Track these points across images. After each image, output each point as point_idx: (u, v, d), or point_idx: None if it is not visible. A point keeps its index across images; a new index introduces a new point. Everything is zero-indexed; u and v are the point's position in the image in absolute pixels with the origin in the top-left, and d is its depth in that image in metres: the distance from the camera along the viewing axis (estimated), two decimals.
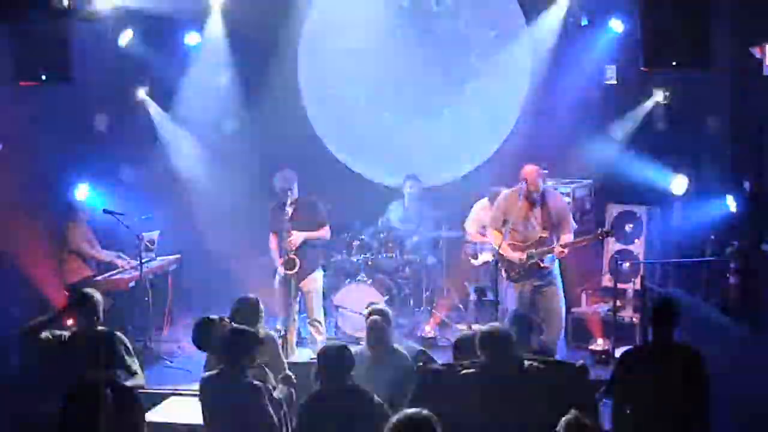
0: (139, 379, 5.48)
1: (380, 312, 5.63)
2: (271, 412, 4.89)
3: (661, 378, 4.54)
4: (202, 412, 4.97)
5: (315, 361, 6.75)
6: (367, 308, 5.92)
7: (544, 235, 6.80)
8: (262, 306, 5.76)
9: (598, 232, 6.86)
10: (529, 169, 6.86)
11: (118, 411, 4.30)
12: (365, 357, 5.38)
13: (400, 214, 8.73)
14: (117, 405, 4.25)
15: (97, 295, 5.61)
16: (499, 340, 4.74)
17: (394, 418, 3.38)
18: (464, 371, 4.76)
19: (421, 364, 5.12)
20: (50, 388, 4.97)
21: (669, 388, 4.52)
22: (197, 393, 5.04)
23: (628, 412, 4.68)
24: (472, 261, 8.22)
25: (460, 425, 4.50)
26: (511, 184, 8.04)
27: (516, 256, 6.85)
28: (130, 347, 5.52)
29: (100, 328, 5.51)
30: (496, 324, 5.16)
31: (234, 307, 5.69)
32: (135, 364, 5.48)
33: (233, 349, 4.88)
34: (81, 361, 4.96)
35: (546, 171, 8.24)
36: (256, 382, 4.87)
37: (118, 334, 5.57)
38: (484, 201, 8.12)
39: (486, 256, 7.99)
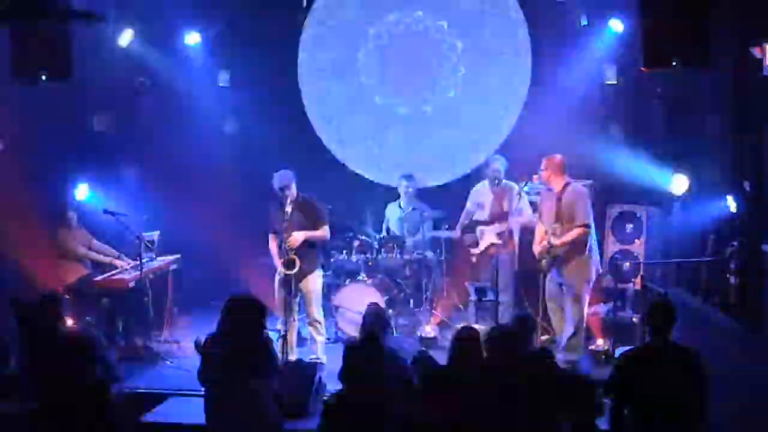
0: (116, 372, 5.51)
1: (375, 313, 5.62)
2: (273, 415, 4.88)
3: (660, 378, 4.53)
4: (206, 413, 4.96)
5: (314, 361, 6.87)
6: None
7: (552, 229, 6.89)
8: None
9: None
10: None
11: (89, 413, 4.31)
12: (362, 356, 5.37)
13: (399, 214, 8.72)
14: (90, 406, 4.26)
15: (57, 295, 5.62)
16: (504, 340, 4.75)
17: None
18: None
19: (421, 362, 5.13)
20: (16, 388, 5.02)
21: (667, 388, 4.51)
22: (197, 393, 5.04)
23: (626, 412, 4.68)
24: (474, 251, 8.15)
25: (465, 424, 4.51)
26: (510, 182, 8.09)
27: (535, 248, 7.06)
28: (103, 342, 5.54)
29: (67, 329, 5.52)
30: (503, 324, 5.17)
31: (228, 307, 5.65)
32: (108, 358, 5.50)
33: (234, 356, 4.87)
34: (47, 362, 5.00)
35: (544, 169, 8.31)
36: (255, 388, 4.83)
37: (87, 330, 5.59)
38: (485, 181, 8.17)
39: (490, 238, 7.96)
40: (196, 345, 5.65)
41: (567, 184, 7.01)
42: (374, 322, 5.53)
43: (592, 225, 7.06)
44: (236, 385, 4.83)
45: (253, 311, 5.07)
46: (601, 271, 7.22)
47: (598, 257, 7.17)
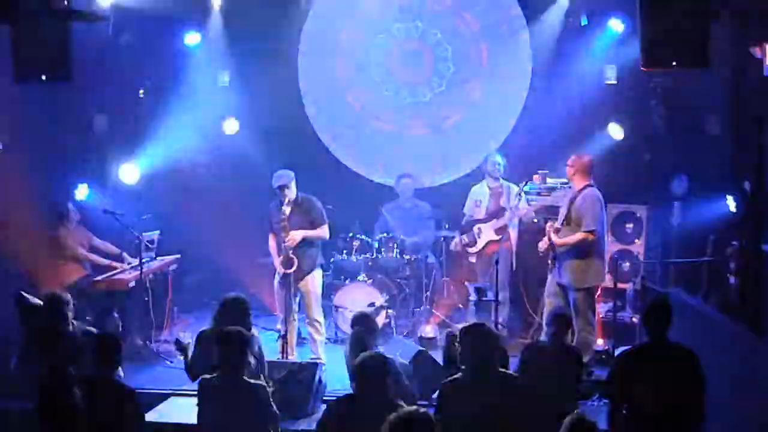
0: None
1: (362, 320, 5.61)
2: (274, 409, 4.91)
3: (657, 378, 4.54)
4: (199, 415, 4.95)
5: (314, 361, 6.87)
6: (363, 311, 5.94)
7: (558, 227, 6.89)
8: (248, 305, 5.79)
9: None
10: None
11: (90, 408, 4.31)
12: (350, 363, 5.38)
13: (398, 214, 8.72)
14: (89, 403, 4.26)
15: (63, 296, 5.63)
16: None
17: (392, 416, 3.37)
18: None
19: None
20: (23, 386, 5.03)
21: (665, 388, 4.52)
22: (197, 393, 5.04)
23: (624, 412, 4.68)
24: (471, 251, 8.14)
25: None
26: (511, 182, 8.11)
27: (541, 244, 7.05)
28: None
29: (71, 327, 5.53)
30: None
31: (221, 308, 5.69)
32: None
33: (229, 350, 4.87)
34: (50, 360, 5.01)
35: (546, 172, 8.32)
36: (255, 382, 4.87)
37: (88, 329, 5.60)
38: (484, 181, 8.19)
39: (488, 235, 7.95)
40: (177, 344, 5.68)
41: (585, 187, 6.97)
42: (361, 328, 5.53)
43: (604, 233, 7.03)
44: (235, 385, 4.83)
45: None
46: (605, 280, 7.18)
47: (605, 268, 7.11)
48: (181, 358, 5.76)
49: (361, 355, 4.61)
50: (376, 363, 4.50)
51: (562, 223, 6.93)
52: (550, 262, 7.00)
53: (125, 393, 4.78)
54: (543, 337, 6.60)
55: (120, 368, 5.49)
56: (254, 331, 5.83)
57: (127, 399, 4.72)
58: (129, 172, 9.08)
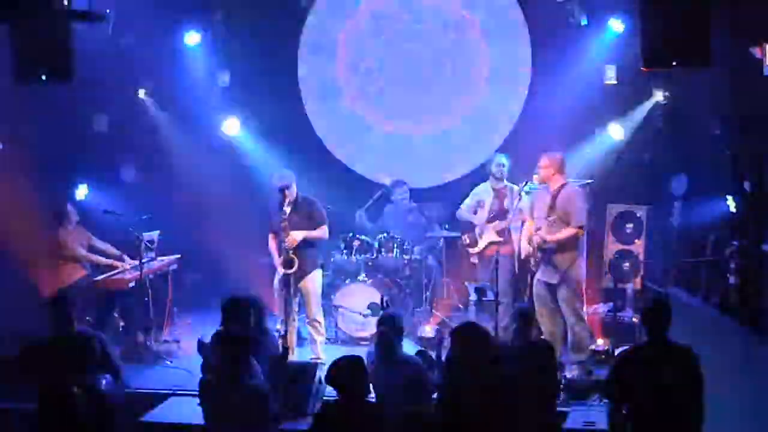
0: (120, 376, 5.51)
1: (389, 320, 5.58)
2: (275, 409, 4.92)
3: (657, 378, 4.54)
4: (204, 415, 4.97)
5: (314, 361, 6.87)
6: (381, 309, 5.91)
7: (538, 226, 6.90)
8: (249, 305, 5.79)
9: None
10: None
11: (89, 414, 4.32)
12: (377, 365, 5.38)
13: (398, 218, 8.71)
14: (89, 408, 4.26)
15: (69, 298, 5.64)
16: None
17: (401, 415, 3.39)
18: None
19: None
20: (26, 390, 5.02)
21: (665, 388, 4.52)
22: (197, 393, 5.05)
23: (624, 412, 4.68)
24: (472, 251, 8.13)
25: None
26: (511, 182, 8.10)
27: (524, 243, 7.08)
28: (108, 345, 5.55)
29: (77, 329, 5.54)
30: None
31: (222, 309, 5.70)
32: (115, 362, 5.51)
33: (227, 351, 4.88)
34: (56, 364, 5.01)
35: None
36: (254, 383, 4.87)
37: (95, 333, 5.61)
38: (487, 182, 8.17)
39: (489, 236, 7.94)
40: (199, 346, 5.69)
41: (564, 185, 6.99)
42: (388, 328, 5.52)
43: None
44: (236, 386, 4.84)
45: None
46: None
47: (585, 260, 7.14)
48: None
49: (333, 362, 4.63)
50: (345, 369, 4.54)
51: (550, 219, 6.90)
52: (533, 261, 6.98)
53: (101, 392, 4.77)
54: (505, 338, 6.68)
55: (120, 369, 5.52)
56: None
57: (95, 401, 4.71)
58: (129, 172, 9.08)
